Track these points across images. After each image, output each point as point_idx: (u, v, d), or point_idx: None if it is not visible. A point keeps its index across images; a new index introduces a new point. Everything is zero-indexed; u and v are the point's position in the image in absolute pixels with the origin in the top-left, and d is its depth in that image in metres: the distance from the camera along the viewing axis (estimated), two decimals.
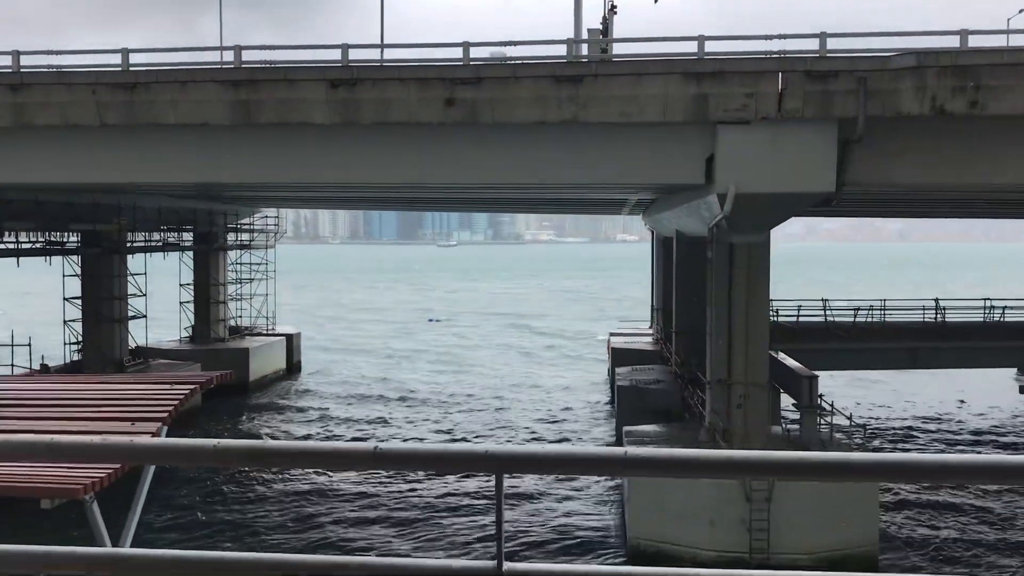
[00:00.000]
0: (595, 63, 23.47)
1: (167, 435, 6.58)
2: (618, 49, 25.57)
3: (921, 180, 23.88)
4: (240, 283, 55.77)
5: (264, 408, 46.19)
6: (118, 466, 5.97)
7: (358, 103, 23.98)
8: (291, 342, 57.42)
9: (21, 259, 38.76)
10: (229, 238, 55.18)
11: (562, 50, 24.57)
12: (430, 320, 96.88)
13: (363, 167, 25.99)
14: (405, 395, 49.45)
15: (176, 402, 6.75)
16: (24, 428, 6.70)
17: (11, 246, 38.14)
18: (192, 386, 7.09)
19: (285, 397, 49.59)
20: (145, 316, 43.94)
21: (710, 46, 23.49)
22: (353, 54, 25.18)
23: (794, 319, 44.32)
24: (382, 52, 26.49)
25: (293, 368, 57.07)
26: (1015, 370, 54.28)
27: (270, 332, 56.84)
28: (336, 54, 25.04)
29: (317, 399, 48.85)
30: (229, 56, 26.27)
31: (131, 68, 25.50)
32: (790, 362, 34.53)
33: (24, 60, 26.14)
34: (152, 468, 6.83)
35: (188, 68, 25.77)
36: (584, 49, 25.78)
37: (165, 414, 6.55)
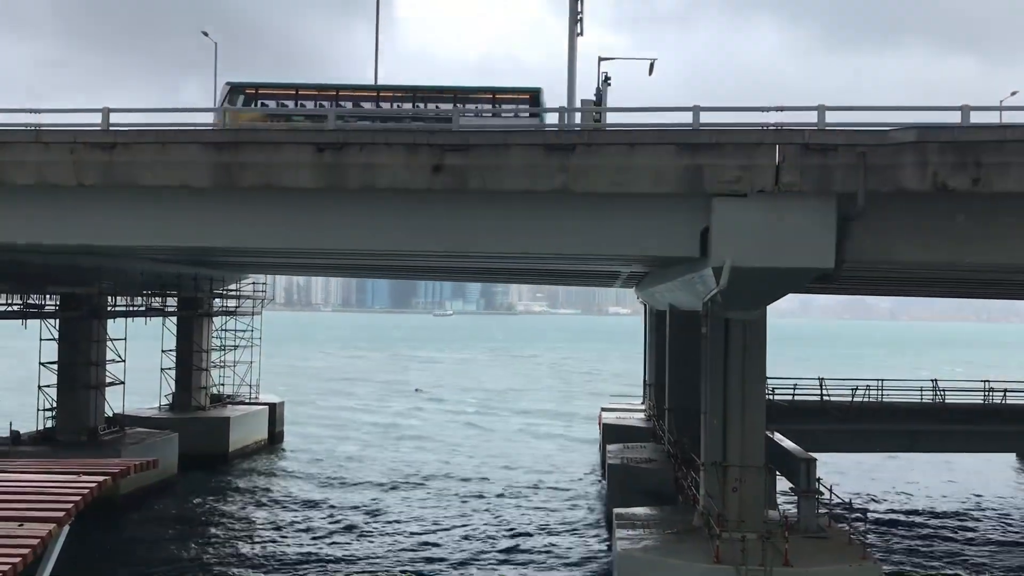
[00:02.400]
0: (587, 132, 22.88)
1: (67, 535, 5.56)
2: (611, 119, 25.07)
3: (922, 258, 23.11)
4: (224, 350, 54.55)
5: (242, 482, 44.57)
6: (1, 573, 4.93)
7: (344, 168, 23.28)
8: (274, 412, 55.97)
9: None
10: (215, 304, 54.14)
11: (554, 118, 24.05)
12: (416, 390, 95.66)
13: (349, 233, 25.18)
14: (387, 473, 47.91)
15: (79, 498, 5.73)
16: None
17: None
18: (102, 478, 6.08)
19: (262, 471, 47.95)
20: (123, 383, 42.61)
21: (705, 117, 22.97)
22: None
23: (789, 397, 43.28)
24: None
25: (275, 438, 55.51)
26: (1014, 455, 53.10)
27: (253, 401, 55.42)
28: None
29: (297, 474, 47.25)
30: (211, 118, 25.69)
31: (111, 128, 24.84)
32: (787, 443, 33.40)
33: (1, 118, 25.49)
34: (51, 562, 5.78)
35: (170, 129, 25.11)
36: (578, 118, 25.27)
37: (62, 513, 5.53)
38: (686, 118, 22.76)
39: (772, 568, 22.62)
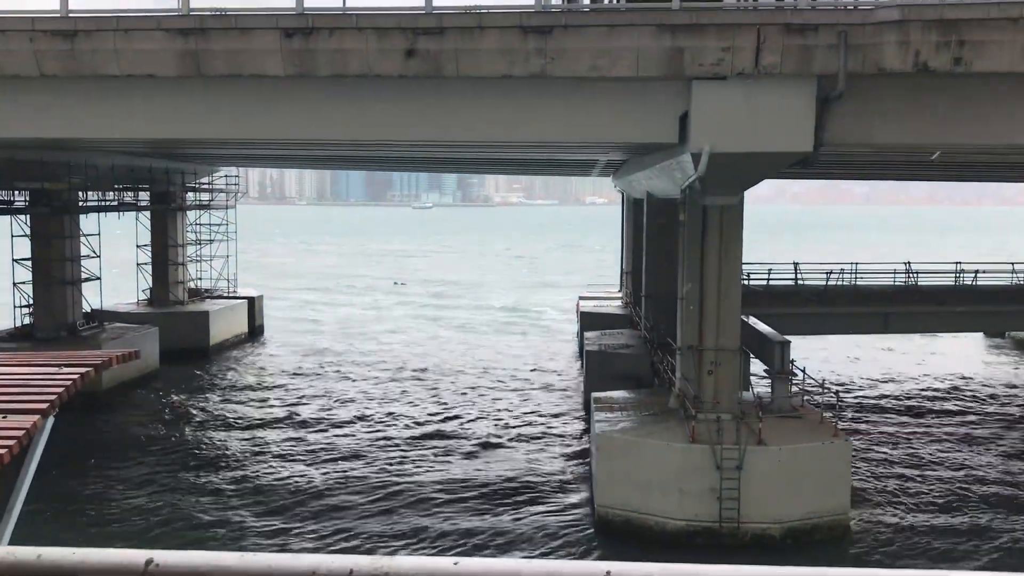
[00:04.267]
0: (565, 13, 22.25)
1: (51, 427, 5.57)
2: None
3: (903, 140, 23.04)
4: (200, 244, 54.15)
5: (224, 374, 44.96)
6: None
7: (314, 54, 22.62)
8: (253, 305, 56.07)
9: None
10: (188, 198, 53.42)
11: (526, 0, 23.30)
12: (395, 283, 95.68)
13: (320, 123, 24.67)
14: (365, 365, 48.36)
15: (61, 389, 5.71)
16: None
17: None
18: (83, 370, 6.04)
19: (244, 362, 48.35)
20: (99, 278, 42.36)
21: None
22: (309, 1, 23.73)
23: (764, 283, 43.78)
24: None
25: (255, 332, 55.78)
26: (982, 334, 54.39)
27: (231, 295, 55.41)
28: (291, 1, 23.57)
29: (278, 365, 47.68)
30: (176, 3, 24.69)
31: (70, 14, 23.87)
32: (761, 327, 33.91)
33: None
34: (38, 454, 5.80)
35: (133, 15, 24.17)
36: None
37: (46, 404, 5.52)
38: None
39: (746, 446, 23.30)
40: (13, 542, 5.37)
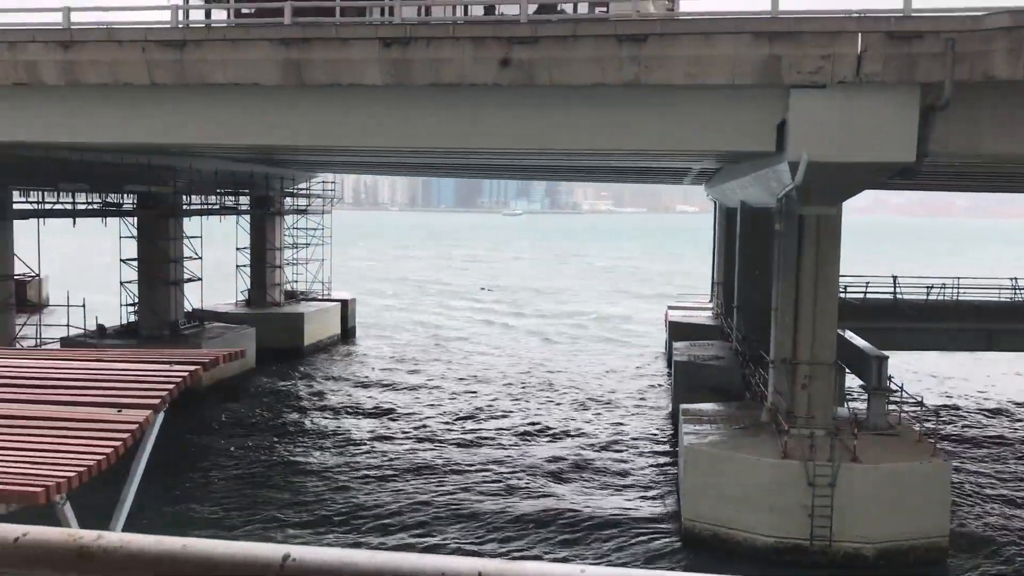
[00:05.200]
0: (660, 21, 22.13)
1: (162, 423, 5.82)
2: (685, 7, 24.14)
3: (1011, 150, 22.14)
4: (296, 248, 55.63)
5: (315, 373, 46.02)
6: (94, 463, 5.22)
7: (410, 63, 23.03)
8: (346, 308, 57.24)
9: (78, 220, 38.86)
10: (286, 203, 54.98)
11: (626, 9, 23.25)
12: (482, 289, 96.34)
13: (415, 130, 25.09)
14: (452, 369, 48.82)
15: (172, 386, 5.96)
16: (1, 412, 6.00)
17: (68, 207, 38.22)
18: (192, 368, 6.30)
19: (338, 363, 49.39)
20: (200, 279, 43.90)
21: (784, 3, 21.99)
22: (406, 12, 24.20)
23: (862, 296, 42.55)
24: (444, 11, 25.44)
25: (347, 333, 56.93)
26: None
27: (325, 297, 56.70)
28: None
29: (368, 366, 48.56)
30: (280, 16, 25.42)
31: (180, 25, 24.87)
32: (858, 341, 32.98)
33: (75, 17, 25.67)
34: (149, 447, 6.07)
35: (239, 25, 25.04)
36: (651, 8, 24.40)
37: (158, 400, 5.77)
38: (764, 5, 21.84)
39: (840, 464, 22.67)
40: (126, 530, 5.65)
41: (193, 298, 44.33)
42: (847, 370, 30.60)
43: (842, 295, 36.13)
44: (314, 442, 33.37)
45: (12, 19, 29.52)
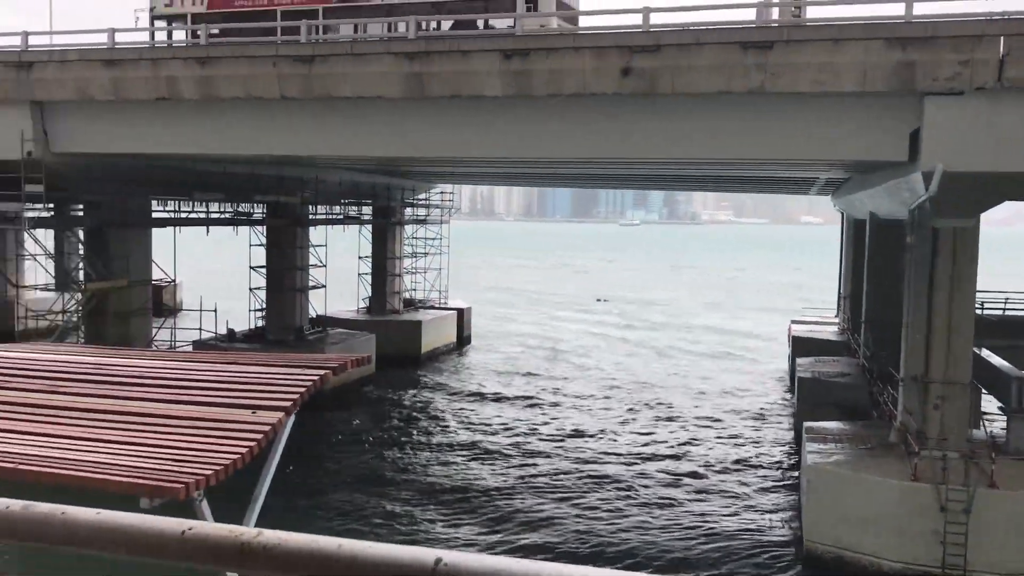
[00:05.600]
0: (787, 28, 21.57)
1: (292, 424, 5.99)
2: (813, 13, 23.47)
3: None
4: (415, 257, 56.75)
5: (432, 381, 46.74)
6: (230, 461, 5.41)
7: (530, 74, 23.19)
8: (462, 316, 57.96)
9: (211, 229, 40.74)
10: (406, 213, 56.21)
11: (748, 15, 22.80)
12: (598, 300, 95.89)
13: (535, 141, 25.22)
14: (567, 380, 48.71)
15: (303, 389, 6.13)
16: (142, 410, 6.30)
17: (202, 216, 40.09)
18: (322, 372, 6.46)
19: (453, 371, 50.04)
20: (324, 286, 45.29)
21: (919, 8, 21.10)
22: (528, 24, 24.36)
23: (1000, 312, 40.35)
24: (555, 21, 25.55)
25: (463, 342, 57.63)
26: None
27: (442, 306, 57.58)
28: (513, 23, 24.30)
29: (484, 374, 49.00)
30: (404, 28, 26.05)
31: (308, 42, 25.75)
32: (996, 359, 31.26)
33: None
34: (281, 448, 6.24)
35: (363, 40, 25.76)
36: (775, 14, 23.84)
37: (289, 403, 5.94)
38: (898, 10, 21.01)
39: (975, 489, 21.49)
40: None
41: (317, 304, 45.76)
42: (984, 391, 29.01)
43: (979, 311, 34.37)
44: (429, 449, 33.86)
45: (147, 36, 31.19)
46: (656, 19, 22.68)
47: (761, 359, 57.43)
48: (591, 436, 35.95)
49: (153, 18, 33.35)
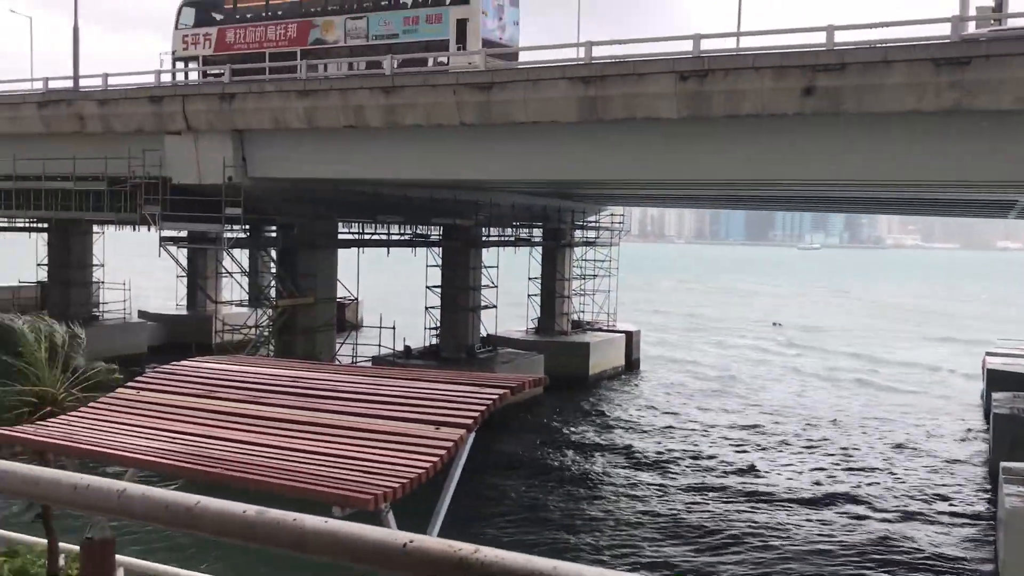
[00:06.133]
0: (987, 42, 20.28)
1: (472, 442, 6.11)
2: (1013, 24, 21.95)
3: None
4: (584, 279, 56.92)
5: (599, 404, 46.58)
6: (415, 475, 5.58)
7: (707, 95, 22.88)
8: (631, 339, 57.53)
9: (392, 250, 42.46)
10: (576, 235, 56.54)
11: (939, 31, 21.57)
12: (774, 324, 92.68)
13: (710, 163, 24.83)
14: (738, 408, 47.30)
15: (484, 407, 6.26)
16: (333, 422, 6.60)
17: (383, 237, 41.84)
18: (501, 391, 6.57)
19: (621, 395, 49.69)
20: (496, 307, 46.16)
21: None
22: (705, 44, 24.07)
23: None
24: (738, 41, 25.10)
25: (631, 365, 57.15)
26: None
27: (611, 328, 57.38)
28: (686, 45, 24.09)
29: (652, 400, 48.37)
30: (581, 53, 26.33)
31: (488, 69, 26.47)
32: None
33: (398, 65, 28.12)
34: (461, 464, 6.39)
35: (540, 66, 26.22)
36: (971, 28, 22.48)
37: (471, 420, 6.08)
38: None
39: None
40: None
41: (488, 324, 46.68)
42: None
43: None
44: (596, 473, 33.71)
45: (344, 70, 32.92)
46: (842, 37, 21.87)
47: (949, 392, 53.82)
48: (759, 472, 34.62)
49: (175, 60, 38.75)
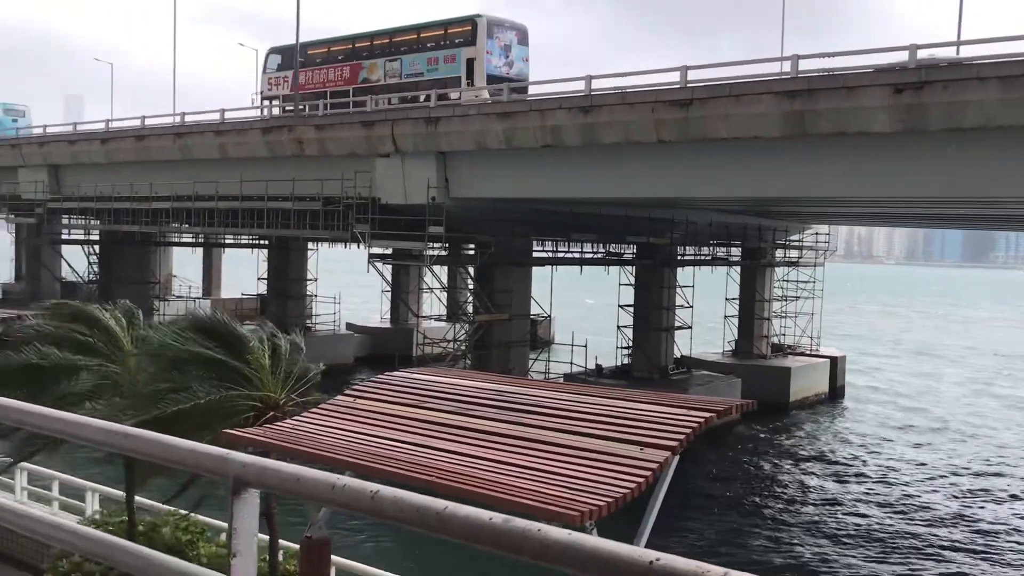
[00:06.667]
0: None
1: (675, 466, 6.00)
2: None
3: None
4: (785, 300, 54.84)
5: (801, 433, 44.63)
6: (620, 495, 5.54)
7: (924, 108, 21.56)
8: (835, 365, 54.80)
9: (584, 268, 42.67)
10: (777, 254, 54.65)
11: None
12: (995, 354, 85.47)
13: (928, 179, 23.35)
14: (955, 448, 43.80)
15: (689, 430, 6.13)
16: (537, 437, 6.67)
17: (576, 255, 42.15)
18: (708, 414, 6.42)
19: (824, 424, 47.37)
20: (690, 327, 45.34)
21: None
22: (921, 55, 22.72)
23: None
24: (957, 50, 23.50)
25: (836, 393, 54.39)
26: None
27: (813, 353, 54.94)
28: (900, 56, 22.82)
29: (856, 430, 45.80)
30: (786, 67, 25.54)
31: (688, 85, 26.15)
32: None
33: (594, 84, 28.36)
34: (665, 486, 6.29)
35: (742, 81, 25.62)
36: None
37: (676, 442, 5.97)
38: None
39: None
40: None
41: (682, 345, 45.91)
42: None
43: None
44: (793, 505, 32.30)
45: (540, 89, 33.60)
46: None
47: None
48: (984, 526, 31.68)
49: (263, 99, 47.40)
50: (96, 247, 56.41)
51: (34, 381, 9.35)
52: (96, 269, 56.53)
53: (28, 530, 3.10)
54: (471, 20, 38.90)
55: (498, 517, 1.78)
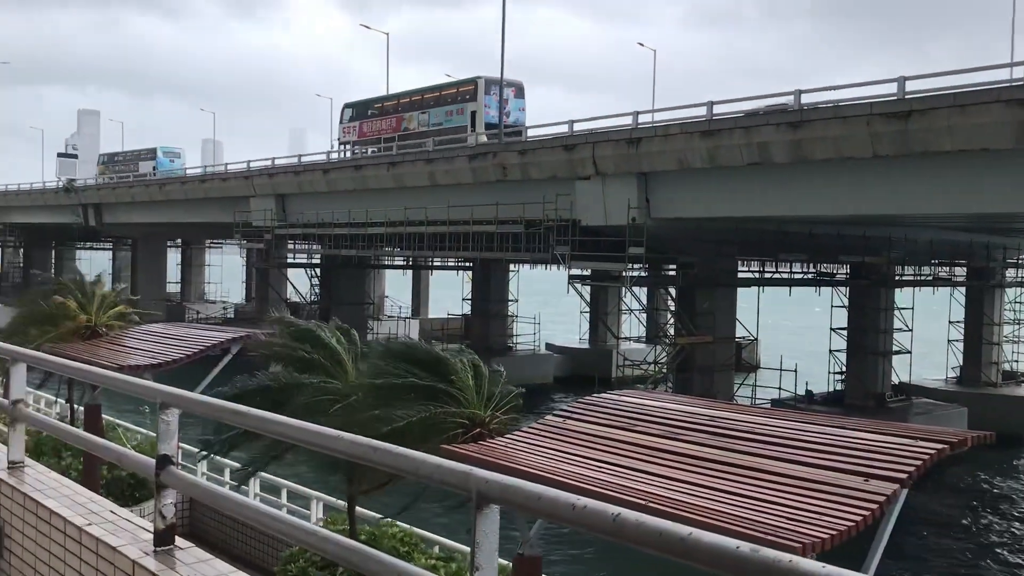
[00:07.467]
0: None
1: (904, 498, 5.64)
2: None
3: None
4: (1018, 324, 50.36)
5: None
6: (845, 528, 5.26)
7: None
8: None
9: (793, 289, 41.06)
10: (1008, 274, 50.34)
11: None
12: None
13: None
14: None
15: (919, 463, 5.74)
16: (752, 464, 6.46)
17: (784, 276, 40.64)
18: (940, 446, 5.99)
19: None
20: (909, 352, 42.54)
21: None
22: None
23: None
24: None
25: None
26: None
27: None
28: None
29: None
30: (1019, 73, 23.66)
31: (906, 96, 24.73)
32: None
33: (803, 99, 27.37)
34: (892, 522, 5.94)
35: (968, 90, 23.90)
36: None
37: (904, 475, 5.61)
38: None
39: None
40: None
41: (900, 371, 43.13)
42: None
43: None
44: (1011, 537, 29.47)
45: (741, 107, 32.78)
46: None
47: None
48: None
49: (339, 144, 57.90)
50: (317, 270, 60.26)
51: (267, 399, 10.32)
52: (317, 291, 60.36)
53: (292, 537, 3.37)
54: (473, 80, 48.52)
55: (745, 546, 1.74)
